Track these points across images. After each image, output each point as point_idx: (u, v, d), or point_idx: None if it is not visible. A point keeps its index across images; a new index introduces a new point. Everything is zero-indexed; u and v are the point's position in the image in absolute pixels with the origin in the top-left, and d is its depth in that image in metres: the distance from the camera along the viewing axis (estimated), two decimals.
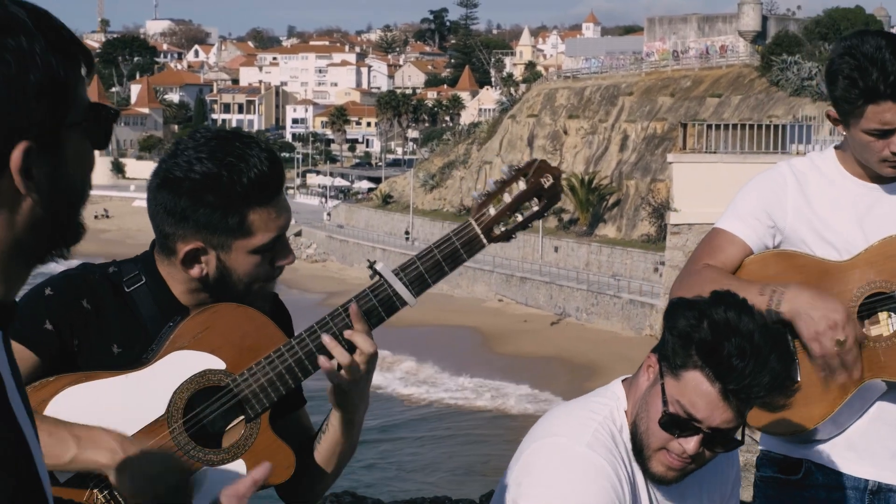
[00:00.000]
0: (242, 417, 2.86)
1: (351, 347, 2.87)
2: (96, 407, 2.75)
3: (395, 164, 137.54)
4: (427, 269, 2.92)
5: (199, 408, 2.83)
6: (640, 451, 2.99)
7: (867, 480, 3.69)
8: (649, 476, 3.01)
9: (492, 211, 2.93)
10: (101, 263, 3.03)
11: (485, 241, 2.93)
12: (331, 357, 2.85)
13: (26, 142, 1.62)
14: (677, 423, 2.90)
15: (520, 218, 2.95)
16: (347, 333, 2.87)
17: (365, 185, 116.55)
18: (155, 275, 2.94)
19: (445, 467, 39.08)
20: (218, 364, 2.86)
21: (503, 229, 2.94)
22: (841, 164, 3.71)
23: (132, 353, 2.88)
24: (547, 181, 2.96)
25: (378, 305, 2.91)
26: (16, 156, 1.62)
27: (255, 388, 2.85)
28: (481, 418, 45.95)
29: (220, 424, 2.87)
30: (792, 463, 3.74)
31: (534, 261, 68.07)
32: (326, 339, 2.86)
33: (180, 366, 2.83)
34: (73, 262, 2.88)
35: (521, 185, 2.94)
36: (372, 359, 2.89)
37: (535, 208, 2.97)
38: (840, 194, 3.68)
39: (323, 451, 3.03)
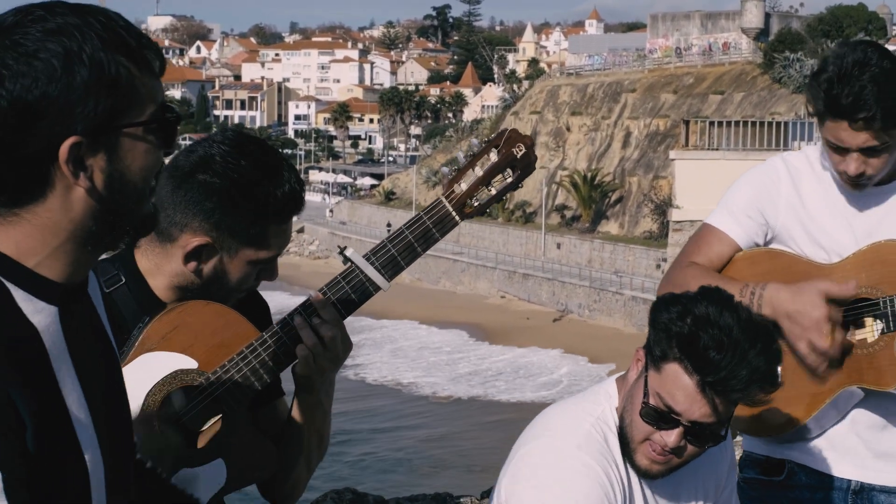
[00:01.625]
0: (220, 415, 2.79)
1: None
2: None
3: (395, 161, 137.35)
4: (399, 252, 2.84)
5: (174, 409, 2.76)
6: (626, 444, 2.99)
7: (850, 480, 3.67)
8: (635, 469, 3.01)
9: (463, 186, 2.83)
10: None
11: (457, 218, 2.85)
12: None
13: (75, 137, 1.78)
14: (657, 415, 2.90)
15: (493, 191, 2.85)
16: (315, 323, 2.80)
17: (368, 181, 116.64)
18: (135, 274, 2.85)
19: (447, 463, 39.00)
20: (189, 363, 2.78)
21: (476, 204, 2.85)
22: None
23: None
24: (519, 150, 2.85)
25: (351, 292, 2.83)
26: (63, 149, 1.78)
27: (229, 385, 2.77)
28: (482, 414, 45.86)
29: (198, 423, 2.79)
30: (774, 464, 3.72)
31: (536, 257, 68.05)
32: (298, 321, 2.80)
33: (151, 368, 2.75)
34: None
35: (493, 157, 2.84)
36: (335, 345, 2.82)
37: (509, 180, 2.86)
38: (831, 194, 3.64)
39: (288, 436, 2.95)
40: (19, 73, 1.76)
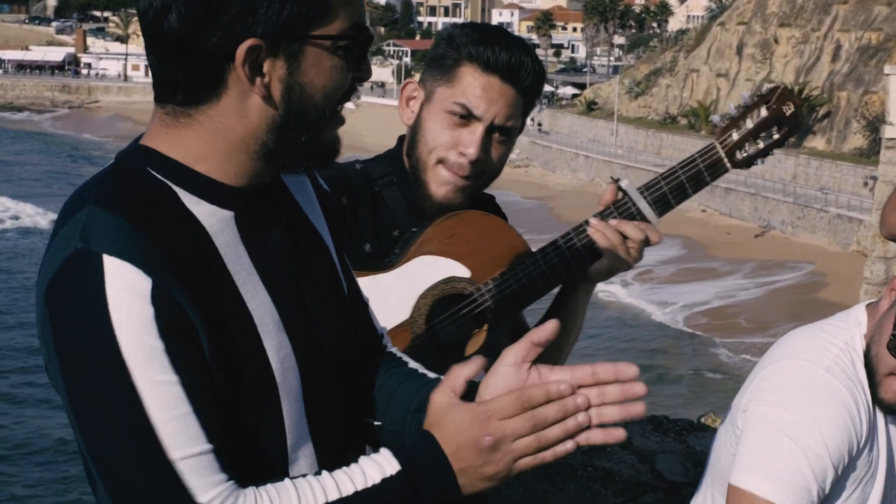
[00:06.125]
0: (486, 327, 2.83)
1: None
2: None
3: (596, 71, 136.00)
4: (671, 190, 2.91)
5: (443, 315, 2.81)
6: (871, 375, 2.90)
7: None
8: (878, 402, 2.91)
9: (735, 136, 2.93)
10: (348, 161, 2.98)
11: (728, 164, 2.94)
12: (583, 264, 2.90)
13: (254, 39, 1.71)
14: None
15: (761, 145, 2.94)
16: (614, 223, 2.88)
17: (569, 90, 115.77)
18: (405, 176, 2.91)
19: (660, 386, 38.43)
20: (463, 272, 2.83)
21: (744, 155, 2.95)
22: None
23: (381, 254, 2.86)
24: (788, 109, 2.94)
25: None
26: (240, 50, 1.71)
27: (499, 298, 2.82)
28: (698, 336, 45.12)
29: (460, 333, 2.83)
30: None
31: (739, 171, 66.89)
32: (594, 222, 2.89)
33: (426, 271, 2.81)
34: None
35: (763, 112, 2.93)
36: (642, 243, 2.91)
37: (776, 136, 2.95)
38: None
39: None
40: None
